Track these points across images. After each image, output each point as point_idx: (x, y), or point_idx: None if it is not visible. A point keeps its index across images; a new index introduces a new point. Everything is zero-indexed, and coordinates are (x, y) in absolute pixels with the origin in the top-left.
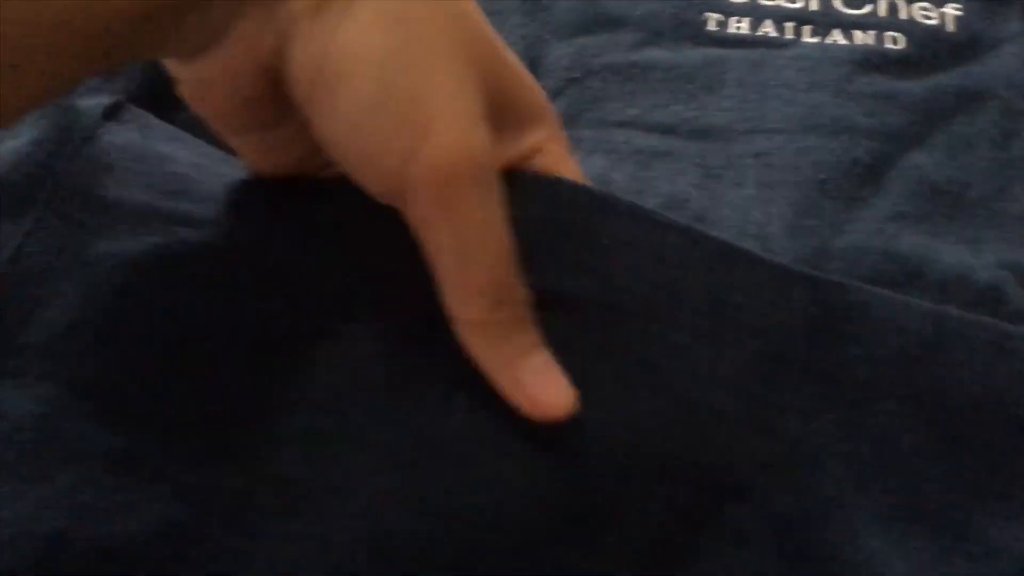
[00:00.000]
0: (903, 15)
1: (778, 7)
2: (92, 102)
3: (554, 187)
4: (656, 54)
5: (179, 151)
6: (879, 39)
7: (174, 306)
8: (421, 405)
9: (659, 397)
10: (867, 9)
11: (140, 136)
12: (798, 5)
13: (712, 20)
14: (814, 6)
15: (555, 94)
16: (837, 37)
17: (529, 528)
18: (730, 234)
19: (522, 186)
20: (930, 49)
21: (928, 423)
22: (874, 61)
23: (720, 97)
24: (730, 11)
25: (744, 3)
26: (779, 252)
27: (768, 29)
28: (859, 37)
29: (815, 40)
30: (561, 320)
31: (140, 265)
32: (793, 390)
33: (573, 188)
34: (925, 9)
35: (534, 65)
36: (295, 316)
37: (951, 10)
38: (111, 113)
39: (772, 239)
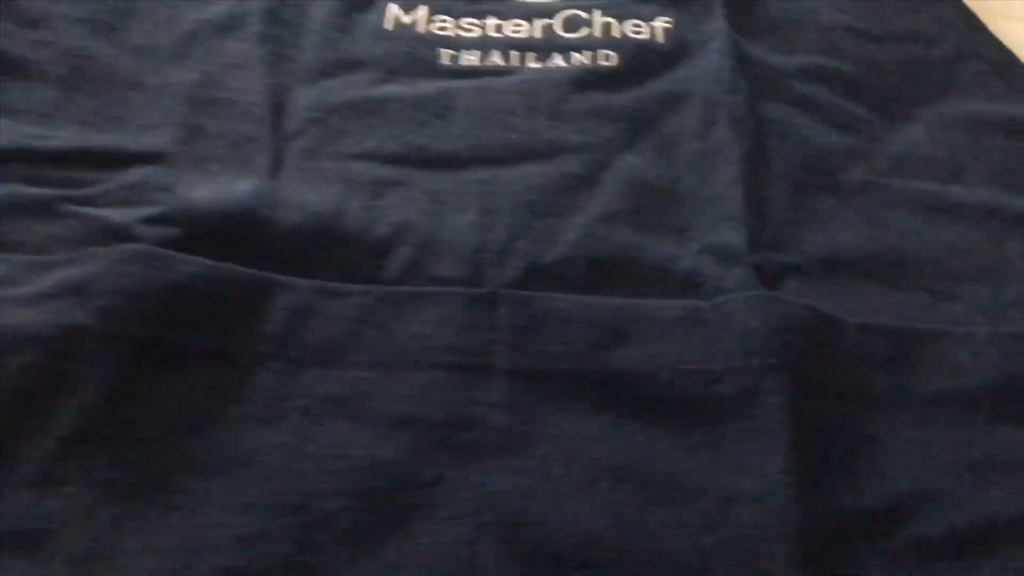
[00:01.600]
0: (616, 33)
1: (505, 38)
2: None
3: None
4: (392, 89)
5: None
6: (594, 58)
7: None
8: None
9: (353, 423)
10: (584, 32)
11: None
12: (523, 34)
13: (445, 55)
14: (537, 34)
15: (297, 133)
16: (557, 60)
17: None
18: (450, 259)
19: None
20: (640, 62)
21: (627, 398)
22: (588, 80)
23: (449, 124)
24: (461, 45)
25: (474, 37)
26: (493, 277)
27: (496, 59)
28: (576, 58)
29: (538, 65)
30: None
31: None
32: (500, 389)
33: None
34: (636, 26)
35: (278, 110)
36: None
37: (661, 24)
38: None
39: (487, 264)
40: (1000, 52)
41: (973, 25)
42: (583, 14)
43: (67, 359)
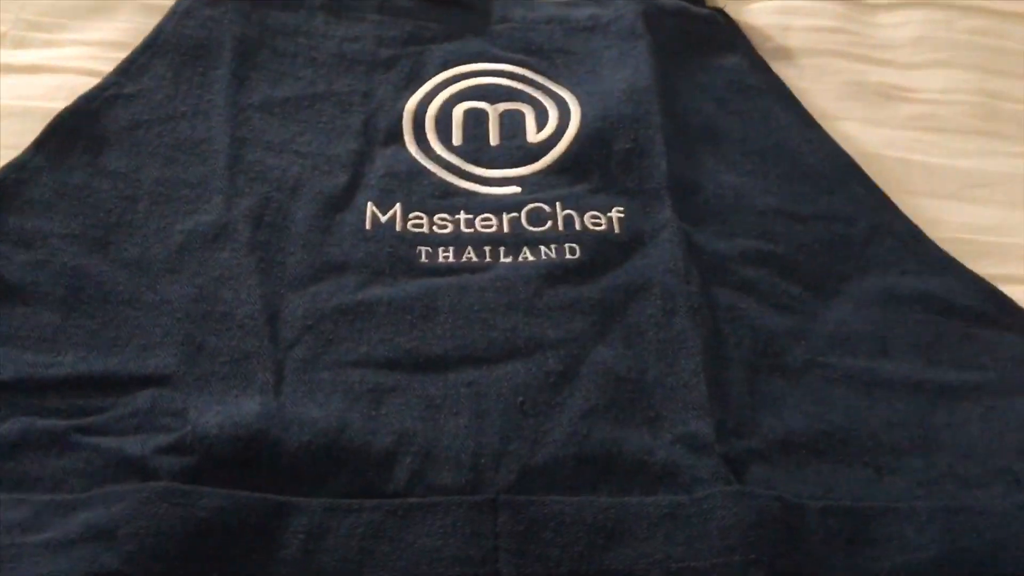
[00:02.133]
0: (577, 226)
1: (477, 233)
2: None
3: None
4: (378, 291)
5: None
6: (560, 251)
7: None
8: None
9: None
10: (548, 225)
11: None
12: (493, 230)
13: (423, 253)
14: (506, 228)
15: (293, 343)
16: (527, 254)
17: None
18: (450, 466)
19: None
20: (601, 253)
21: None
22: (557, 273)
23: (435, 325)
24: (437, 243)
25: (448, 234)
26: (491, 481)
27: (471, 255)
28: (544, 252)
29: (509, 260)
30: None
31: None
32: None
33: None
34: (595, 217)
35: (273, 320)
36: None
37: (616, 214)
38: None
39: (484, 470)
40: (909, 228)
41: (884, 203)
42: (546, 207)
43: None
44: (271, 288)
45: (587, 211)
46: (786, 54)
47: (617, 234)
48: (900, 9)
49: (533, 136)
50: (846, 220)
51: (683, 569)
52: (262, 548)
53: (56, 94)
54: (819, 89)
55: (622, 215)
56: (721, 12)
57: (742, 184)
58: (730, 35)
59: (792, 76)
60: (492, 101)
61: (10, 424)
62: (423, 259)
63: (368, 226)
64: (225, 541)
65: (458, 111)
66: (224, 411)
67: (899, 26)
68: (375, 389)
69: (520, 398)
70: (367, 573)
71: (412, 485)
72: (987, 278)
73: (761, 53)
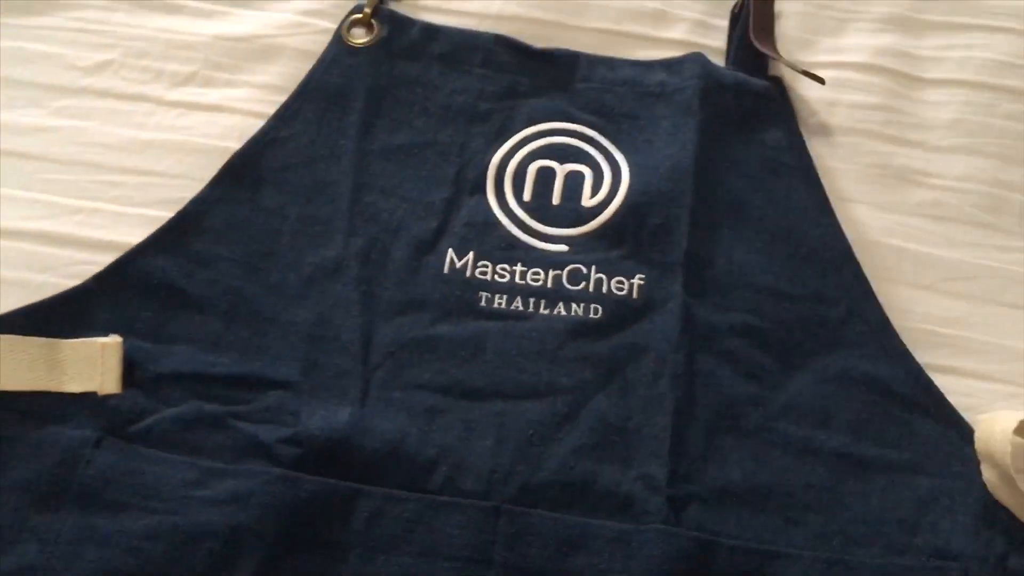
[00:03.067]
0: (604, 289)
1: (527, 285)
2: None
3: None
4: (444, 328)
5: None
6: (586, 310)
7: None
8: None
9: None
10: (582, 285)
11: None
12: (539, 283)
13: (483, 298)
14: (549, 284)
15: (378, 365)
16: (560, 309)
17: None
18: (472, 477)
19: None
20: (617, 315)
21: None
22: (580, 330)
23: (480, 363)
24: (495, 289)
25: (505, 283)
26: (498, 492)
27: (518, 304)
28: (574, 309)
29: (546, 312)
30: None
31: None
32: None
33: None
34: (619, 282)
35: (366, 345)
36: None
37: (637, 280)
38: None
39: (496, 483)
40: (878, 316)
41: (865, 290)
42: (584, 268)
43: (235, 548)
44: (368, 318)
45: (615, 276)
46: (825, 130)
47: (634, 299)
48: (948, 87)
49: (587, 200)
50: (828, 302)
51: None
52: (340, 519)
53: (230, 134)
54: (845, 169)
55: (642, 282)
56: (778, 83)
57: (749, 261)
58: (778, 109)
59: (825, 154)
60: (561, 161)
61: (186, 406)
62: (482, 303)
63: (446, 270)
64: (316, 512)
65: (532, 168)
66: (324, 416)
67: (941, 105)
68: (430, 410)
69: (531, 431)
70: (405, 546)
71: (444, 487)
72: (935, 368)
73: (804, 128)
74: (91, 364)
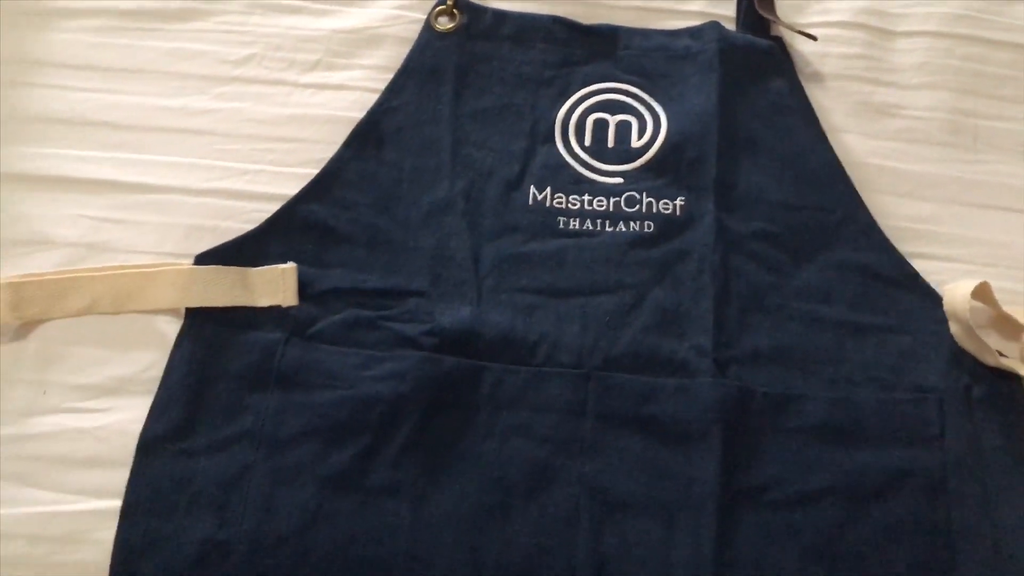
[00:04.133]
0: (654, 210)
1: (593, 210)
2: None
3: None
4: (534, 246)
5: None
6: (641, 226)
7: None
8: None
9: (523, 439)
10: (636, 208)
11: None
12: (603, 208)
13: (561, 221)
14: (611, 208)
15: (486, 276)
16: (621, 227)
17: None
18: (567, 354)
19: None
20: (665, 229)
21: (654, 428)
22: (637, 241)
23: (564, 269)
24: (570, 214)
25: (577, 209)
26: (587, 363)
27: (588, 224)
28: (632, 226)
29: (611, 229)
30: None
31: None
32: (589, 422)
33: None
34: (665, 203)
35: (476, 262)
36: None
37: (679, 202)
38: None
39: (584, 356)
40: (867, 219)
41: (855, 199)
42: (636, 195)
43: (398, 410)
44: (475, 241)
45: (661, 199)
46: (818, 77)
47: (678, 216)
48: (915, 37)
49: (635, 142)
50: (827, 210)
51: (679, 418)
52: (471, 387)
53: (353, 107)
54: (836, 107)
55: (683, 203)
56: (779, 41)
57: (764, 182)
58: (780, 63)
59: (819, 96)
60: (612, 112)
61: (347, 313)
62: (560, 225)
63: (530, 202)
64: (454, 382)
65: (589, 120)
66: (452, 314)
67: (910, 52)
68: (529, 306)
69: (607, 318)
70: (522, 404)
71: (545, 361)
72: (912, 255)
73: (802, 76)
74: (274, 285)
